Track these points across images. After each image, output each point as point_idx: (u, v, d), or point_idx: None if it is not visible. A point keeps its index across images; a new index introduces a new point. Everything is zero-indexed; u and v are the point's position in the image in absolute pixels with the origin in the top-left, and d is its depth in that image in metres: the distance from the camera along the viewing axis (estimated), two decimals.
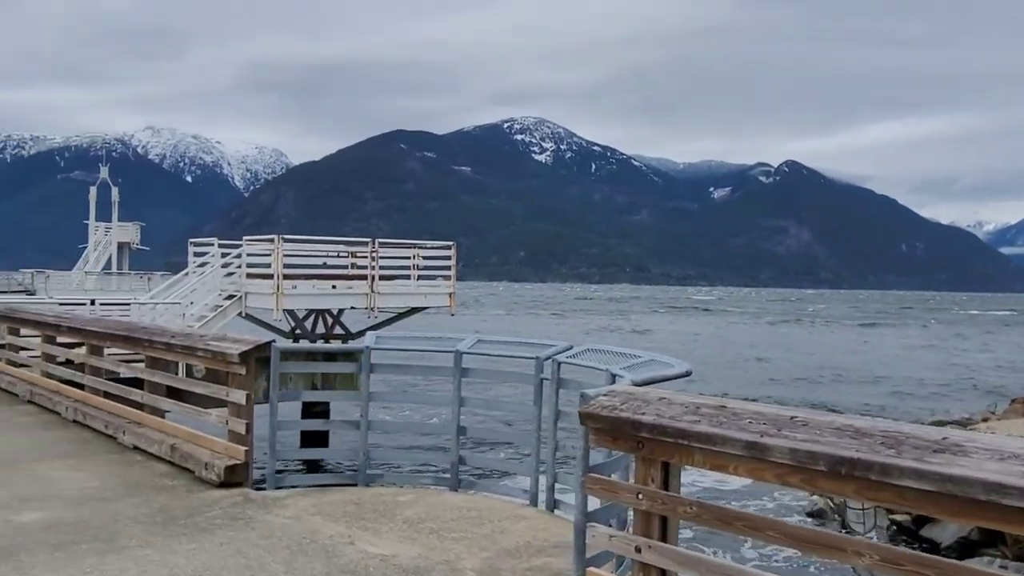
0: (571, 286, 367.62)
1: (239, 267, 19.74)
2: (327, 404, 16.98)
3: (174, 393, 9.07)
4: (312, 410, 16.94)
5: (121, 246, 58.89)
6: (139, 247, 61.57)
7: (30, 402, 11.50)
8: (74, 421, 10.12)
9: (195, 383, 8.26)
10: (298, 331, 21.63)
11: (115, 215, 58.64)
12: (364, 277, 20.45)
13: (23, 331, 13.35)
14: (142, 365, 9.39)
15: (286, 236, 19.23)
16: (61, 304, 17.65)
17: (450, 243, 22.05)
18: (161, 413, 9.04)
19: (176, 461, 7.88)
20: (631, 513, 5.79)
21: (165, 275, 62.50)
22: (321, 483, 7.64)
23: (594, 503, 4.66)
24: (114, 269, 57.53)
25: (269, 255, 20.35)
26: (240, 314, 19.86)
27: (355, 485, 7.55)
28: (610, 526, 5.22)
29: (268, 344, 7.34)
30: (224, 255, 20.20)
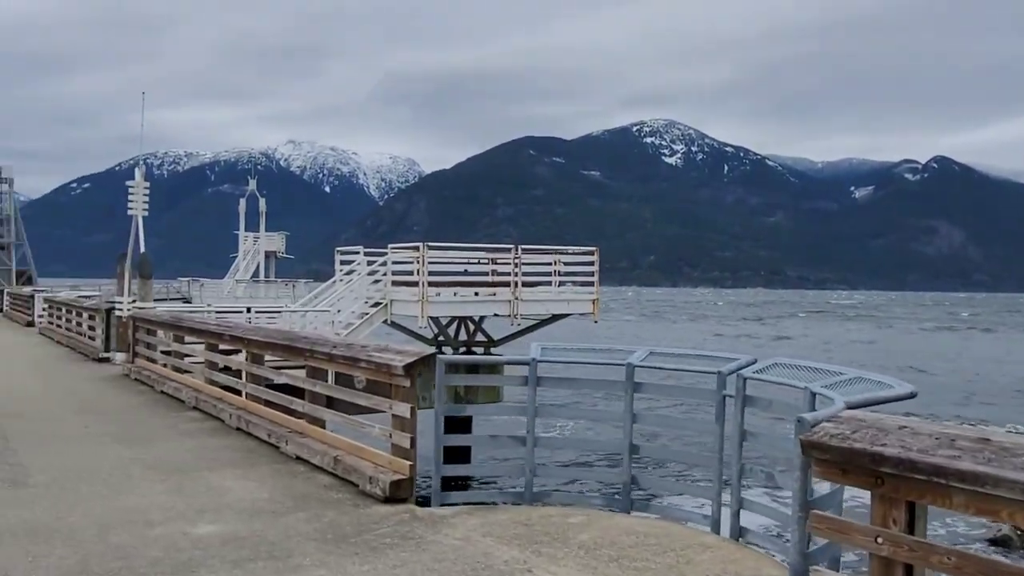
0: (702, 290, 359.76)
1: (384, 275, 19.97)
2: (470, 418, 16.89)
3: (329, 402, 9.06)
4: (455, 424, 16.86)
5: (268, 255, 61.59)
6: (284, 255, 64.24)
7: (195, 408, 11.84)
8: (237, 428, 10.29)
9: (356, 394, 8.16)
10: (440, 338, 21.72)
11: (263, 225, 61.36)
12: (507, 284, 20.30)
13: (187, 338, 13.84)
14: (294, 372, 9.45)
15: (431, 244, 19.31)
16: (219, 311, 18.33)
17: (592, 248, 21.65)
18: (321, 423, 9.03)
19: (339, 473, 7.79)
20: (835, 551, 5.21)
21: (308, 282, 64.97)
22: (486, 500, 7.37)
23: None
24: (262, 277, 60.29)
25: (412, 263, 20.59)
26: (385, 321, 20.08)
27: (520, 504, 7.24)
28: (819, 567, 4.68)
29: (432, 356, 7.13)
30: (370, 263, 20.50)
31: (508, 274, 20.99)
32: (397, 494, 7.06)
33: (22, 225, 79.49)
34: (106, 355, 18.60)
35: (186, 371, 13.75)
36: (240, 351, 11.12)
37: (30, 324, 31.01)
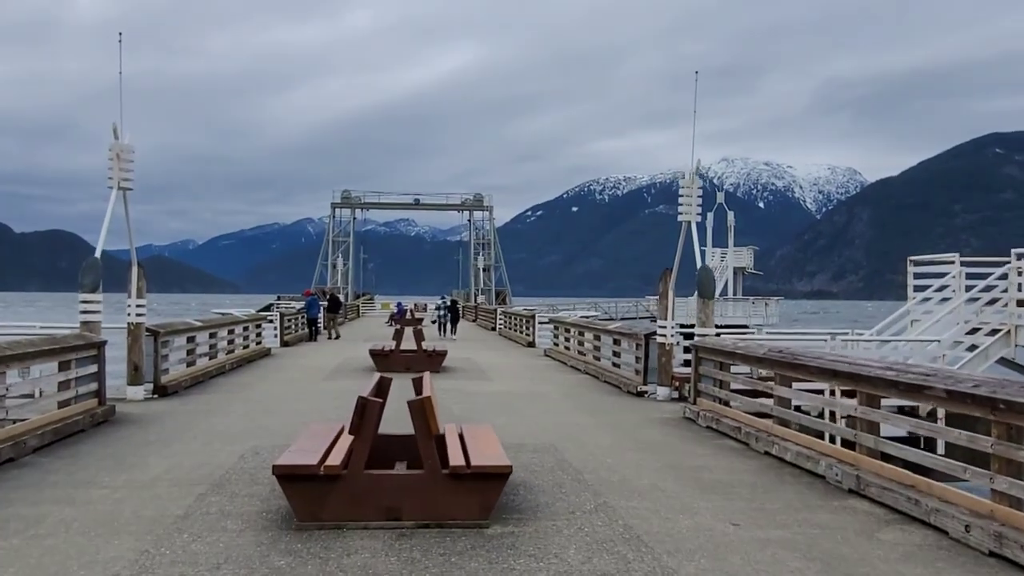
0: None
1: (1005, 291, 14.50)
2: None
3: None
4: None
5: (736, 271, 58.03)
6: (753, 271, 60.11)
7: (856, 493, 7.82)
8: (991, 553, 6.00)
9: None
10: None
11: (731, 240, 57.99)
12: None
13: (800, 379, 10.02)
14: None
15: None
16: (783, 338, 14.47)
17: None
18: None
19: None
20: None
21: (780, 300, 59.99)
22: None
23: None
24: (730, 294, 56.74)
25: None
26: (1006, 356, 14.58)
27: None
28: None
29: None
30: (970, 276, 15.20)
31: None
32: None
33: (500, 248, 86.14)
34: (643, 388, 15.78)
35: (769, 420, 9.99)
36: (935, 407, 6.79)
37: (530, 344, 30.55)
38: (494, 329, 43.33)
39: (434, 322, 39.05)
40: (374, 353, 19.85)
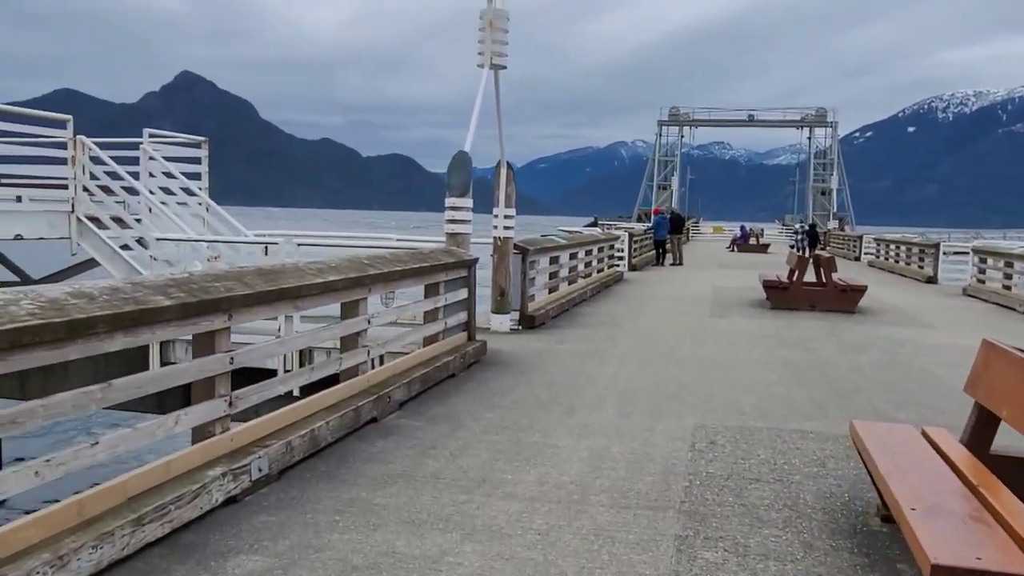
0: None
1: None
2: None
3: None
4: None
5: None
6: None
7: None
8: None
9: None
10: None
11: None
12: None
13: None
14: None
15: None
16: None
17: None
18: None
19: None
20: None
21: None
22: None
23: None
24: None
25: None
26: None
27: None
28: None
29: None
30: None
31: None
32: None
33: (844, 171, 77.10)
34: None
35: None
36: None
37: (930, 280, 24.76)
38: (857, 259, 37.31)
39: (792, 247, 34.17)
40: (768, 285, 15.87)
